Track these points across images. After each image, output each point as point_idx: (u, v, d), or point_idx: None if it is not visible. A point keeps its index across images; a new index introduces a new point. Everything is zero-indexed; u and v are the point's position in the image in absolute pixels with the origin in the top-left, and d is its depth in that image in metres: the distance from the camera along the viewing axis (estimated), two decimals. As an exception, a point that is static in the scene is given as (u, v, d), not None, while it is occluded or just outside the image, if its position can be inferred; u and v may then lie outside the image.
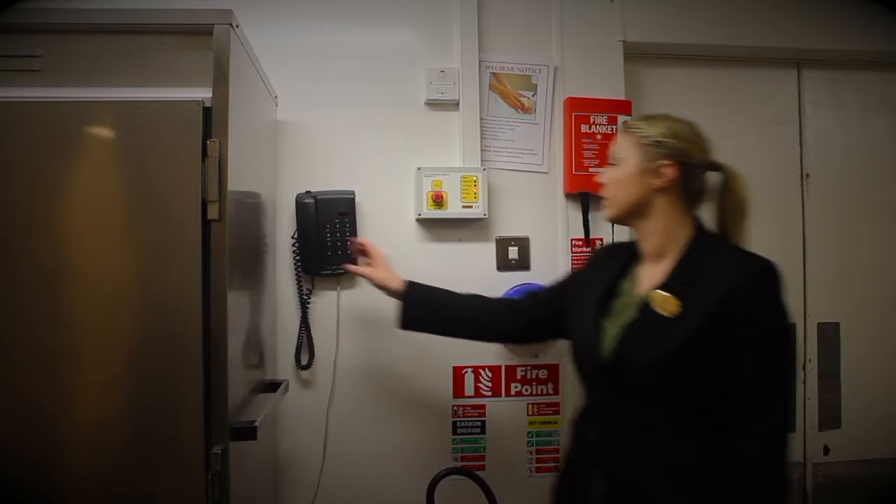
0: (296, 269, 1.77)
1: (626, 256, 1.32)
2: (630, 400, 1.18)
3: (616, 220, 1.31)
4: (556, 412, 1.86)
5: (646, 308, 1.18)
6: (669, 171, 1.21)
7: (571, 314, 1.34)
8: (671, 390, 1.15)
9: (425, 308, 1.49)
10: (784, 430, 1.11)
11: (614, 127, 1.89)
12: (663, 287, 1.18)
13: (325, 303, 1.80)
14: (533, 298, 1.52)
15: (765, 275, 1.15)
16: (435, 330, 1.53)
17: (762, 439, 1.10)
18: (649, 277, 1.24)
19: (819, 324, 2.13)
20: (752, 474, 1.08)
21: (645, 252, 1.28)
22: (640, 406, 1.17)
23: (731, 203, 1.24)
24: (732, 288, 1.11)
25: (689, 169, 1.22)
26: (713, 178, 1.27)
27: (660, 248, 1.24)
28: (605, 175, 1.30)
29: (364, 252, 1.61)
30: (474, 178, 1.81)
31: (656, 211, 1.23)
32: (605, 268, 1.33)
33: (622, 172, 1.25)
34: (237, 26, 1.22)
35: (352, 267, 1.61)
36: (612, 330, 1.22)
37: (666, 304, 1.15)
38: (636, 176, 1.23)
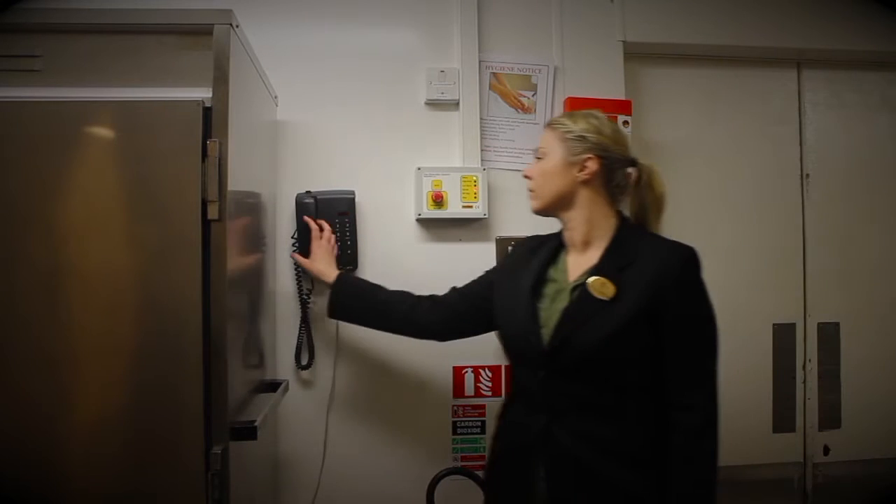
0: (295, 269, 1.77)
1: (551, 246, 1.37)
2: (572, 384, 1.22)
3: (542, 212, 1.35)
4: (556, 412, 1.86)
5: (583, 293, 1.23)
6: (592, 164, 1.28)
7: (501, 304, 1.37)
8: (613, 371, 1.21)
9: (352, 299, 1.55)
10: (715, 400, 1.21)
11: (614, 127, 1.89)
12: (596, 272, 1.24)
13: (325, 302, 1.79)
14: (456, 293, 1.53)
15: (691, 260, 1.24)
16: (361, 321, 1.59)
17: (697, 410, 1.19)
18: (578, 265, 1.30)
19: (819, 324, 2.13)
20: (692, 444, 1.18)
21: (571, 242, 1.33)
22: (582, 389, 1.21)
23: (651, 197, 1.32)
24: (663, 272, 1.20)
25: (610, 163, 1.29)
26: (631, 173, 1.34)
27: (586, 237, 1.30)
28: (531, 169, 1.35)
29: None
30: (474, 178, 1.81)
31: (581, 202, 1.30)
32: (531, 258, 1.37)
33: (548, 165, 1.31)
34: (237, 26, 1.22)
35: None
36: (550, 315, 1.26)
37: (603, 288, 1.21)
38: (561, 168, 1.29)
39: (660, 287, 1.19)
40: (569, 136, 1.29)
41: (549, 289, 1.31)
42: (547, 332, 1.24)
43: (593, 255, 1.28)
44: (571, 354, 1.21)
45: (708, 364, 1.23)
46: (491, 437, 1.40)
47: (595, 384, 1.21)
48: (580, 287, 1.25)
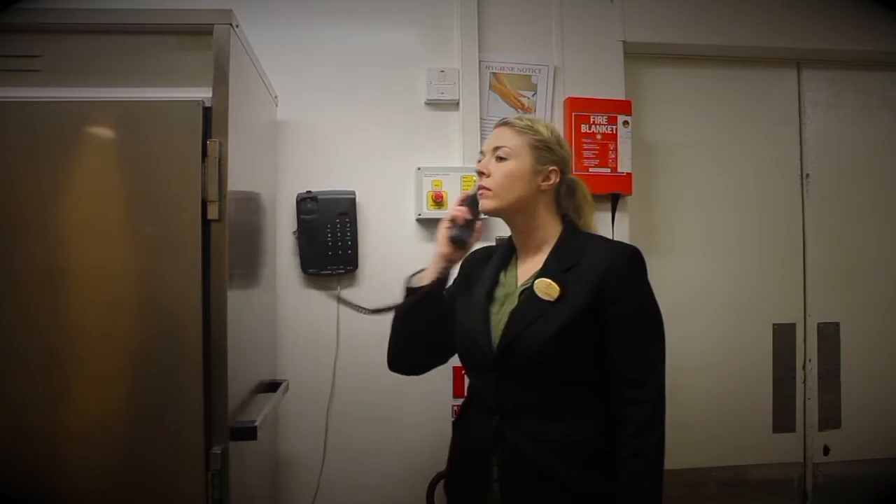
0: (299, 257, 1.78)
1: (502, 253, 1.37)
2: (522, 385, 1.23)
3: (496, 213, 1.32)
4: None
5: (530, 294, 1.24)
6: (554, 176, 1.30)
7: (458, 315, 1.35)
8: (560, 369, 1.22)
9: (435, 310, 1.35)
10: (662, 394, 1.22)
11: (614, 127, 1.89)
12: (542, 274, 1.25)
13: (326, 302, 1.80)
14: None
15: (633, 258, 1.26)
16: (412, 325, 1.35)
17: (645, 405, 1.20)
18: (527, 269, 1.31)
19: (819, 324, 2.13)
20: (640, 438, 1.19)
21: (523, 247, 1.33)
22: (532, 390, 1.23)
23: (586, 204, 1.36)
24: (607, 269, 1.22)
25: (565, 176, 1.33)
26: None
27: (538, 242, 1.31)
28: (491, 166, 1.29)
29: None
30: (474, 178, 1.81)
31: (538, 209, 1.31)
32: (485, 266, 1.36)
33: (513, 168, 1.29)
34: (237, 26, 1.22)
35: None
36: (499, 319, 1.27)
37: (548, 289, 1.23)
38: (528, 175, 1.29)
39: (603, 284, 1.21)
40: (538, 144, 1.29)
41: (499, 293, 1.32)
42: (496, 335, 1.26)
43: (541, 259, 1.30)
44: (520, 354, 1.22)
45: (653, 359, 1.23)
46: (451, 442, 1.40)
47: (544, 384, 1.23)
48: (527, 290, 1.26)
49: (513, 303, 1.28)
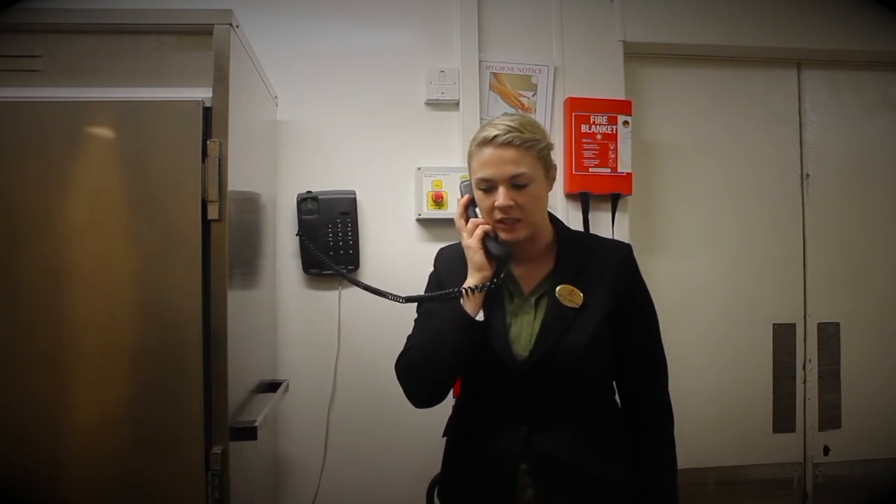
0: (301, 257, 1.78)
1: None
2: (555, 394, 1.20)
3: (521, 240, 1.21)
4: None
5: (554, 303, 1.21)
6: (554, 173, 1.24)
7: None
8: (588, 374, 1.23)
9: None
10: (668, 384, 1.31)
11: (614, 127, 1.89)
12: (558, 281, 1.22)
13: (326, 303, 1.80)
14: None
15: (632, 255, 1.29)
16: (459, 351, 1.22)
17: (661, 395, 1.29)
18: (529, 275, 1.25)
19: (819, 324, 2.13)
20: (661, 425, 1.27)
21: (521, 253, 1.24)
22: (564, 398, 1.21)
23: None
24: (619, 273, 1.24)
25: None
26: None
27: (538, 246, 1.25)
28: (516, 196, 1.16)
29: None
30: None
31: (544, 213, 1.25)
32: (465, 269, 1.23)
33: (537, 190, 1.19)
34: (237, 26, 1.22)
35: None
36: (519, 329, 1.22)
37: (571, 296, 1.21)
38: (545, 189, 1.22)
39: (620, 288, 1.23)
40: (542, 151, 1.19)
41: (512, 304, 1.24)
42: (521, 346, 1.20)
43: (542, 263, 1.24)
44: (557, 364, 1.18)
45: (661, 352, 1.30)
46: (448, 462, 1.33)
47: (576, 390, 1.21)
48: (546, 297, 1.21)
49: (528, 312, 1.23)
